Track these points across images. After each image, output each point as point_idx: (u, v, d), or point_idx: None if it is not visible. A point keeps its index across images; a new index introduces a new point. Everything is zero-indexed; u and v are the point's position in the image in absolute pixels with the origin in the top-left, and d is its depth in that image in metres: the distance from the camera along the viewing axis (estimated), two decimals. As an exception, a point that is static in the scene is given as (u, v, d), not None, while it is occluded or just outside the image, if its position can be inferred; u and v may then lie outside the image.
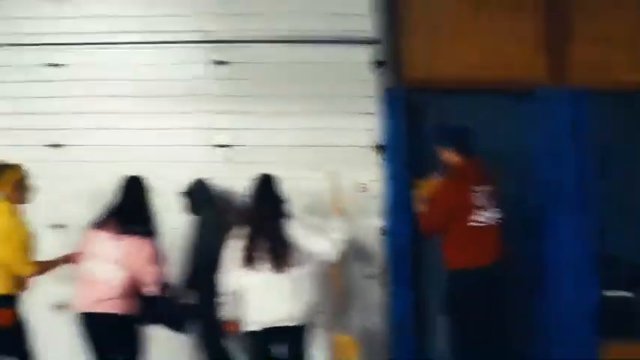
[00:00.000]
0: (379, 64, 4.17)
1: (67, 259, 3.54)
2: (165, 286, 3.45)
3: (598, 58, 4.11)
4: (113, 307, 3.30)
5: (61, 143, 4.29)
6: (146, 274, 3.33)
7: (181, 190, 3.92)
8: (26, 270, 3.30)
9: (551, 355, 4.01)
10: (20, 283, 3.35)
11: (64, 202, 4.22)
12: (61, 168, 4.25)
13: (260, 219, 3.29)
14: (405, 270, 4.08)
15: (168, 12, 4.21)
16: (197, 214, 3.85)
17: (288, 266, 3.17)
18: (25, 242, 3.29)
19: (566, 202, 4.03)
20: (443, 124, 3.78)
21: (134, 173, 3.55)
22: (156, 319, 3.52)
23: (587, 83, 4.05)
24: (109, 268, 3.32)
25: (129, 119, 4.24)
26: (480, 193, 3.41)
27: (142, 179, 3.54)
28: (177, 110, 4.21)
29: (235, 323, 3.34)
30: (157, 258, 3.37)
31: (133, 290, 3.36)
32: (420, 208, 3.59)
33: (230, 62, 4.21)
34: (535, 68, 4.17)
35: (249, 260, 3.21)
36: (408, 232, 4.07)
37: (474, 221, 3.40)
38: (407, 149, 4.08)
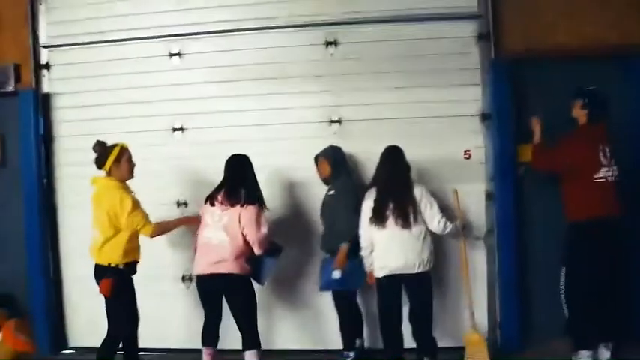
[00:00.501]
0: (482, 37, 4.38)
1: (184, 222, 4.06)
2: (270, 245, 3.89)
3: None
4: (227, 268, 3.73)
5: (183, 127, 4.66)
6: (251, 236, 3.74)
7: (317, 155, 4.24)
8: (147, 230, 3.78)
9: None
10: (130, 255, 3.79)
11: (186, 181, 4.61)
12: (184, 149, 4.65)
13: (388, 183, 3.79)
14: (510, 233, 4.34)
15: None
16: (336, 178, 4.15)
17: (411, 224, 3.71)
18: (137, 208, 3.75)
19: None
20: (583, 87, 3.94)
21: (236, 152, 3.96)
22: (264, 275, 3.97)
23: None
24: (221, 235, 3.77)
25: (246, 101, 4.57)
26: (602, 152, 3.67)
27: (243, 156, 3.95)
28: (293, 90, 4.51)
29: (371, 274, 3.87)
30: (259, 222, 3.77)
31: (244, 253, 3.78)
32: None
33: (341, 43, 4.48)
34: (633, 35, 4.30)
35: (379, 218, 3.73)
36: (513, 197, 4.33)
37: (596, 178, 3.69)
38: (510, 117, 4.31)
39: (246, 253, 3.80)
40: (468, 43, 4.40)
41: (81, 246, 4.29)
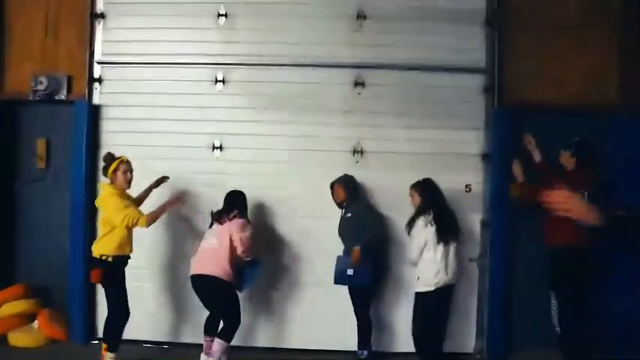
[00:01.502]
0: (487, 89, 5.15)
1: (167, 205, 4.68)
2: (252, 255, 4.63)
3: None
4: (211, 270, 4.47)
5: (222, 145, 5.24)
6: (236, 237, 4.51)
7: (333, 182, 4.89)
8: (142, 221, 4.37)
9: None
10: (119, 249, 4.36)
11: (222, 193, 5.11)
12: (220, 166, 5.23)
13: (437, 208, 4.49)
14: (502, 255, 5.07)
15: (320, 40, 5.16)
16: (352, 202, 4.81)
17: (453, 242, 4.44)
18: (129, 206, 4.37)
19: None
20: (575, 138, 4.66)
21: (234, 189, 4.77)
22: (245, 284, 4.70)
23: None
24: (212, 240, 4.59)
25: (279, 127, 5.19)
26: (581, 195, 4.40)
27: (237, 191, 4.76)
28: (323, 121, 5.16)
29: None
30: (244, 228, 4.56)
31: (228, 259, 4.50)
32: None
33: (367, 84, 5.16)
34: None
35: (438, 237, 4.39)
36: (505, 225, 5.08)
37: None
38: (507, 158, 5.03)
39: (230, 259, 4.49)
40: (475, 92, 5.16)
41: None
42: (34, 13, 5.31)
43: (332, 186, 4.92)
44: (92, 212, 5.11)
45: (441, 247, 4.38)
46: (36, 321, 5.16)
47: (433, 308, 4.40)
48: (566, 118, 4.94)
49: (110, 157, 4.47)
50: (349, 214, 4.77)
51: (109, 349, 4.40)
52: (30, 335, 5.07)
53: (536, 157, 4.78)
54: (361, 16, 5.15)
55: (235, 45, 5.20)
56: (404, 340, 4.88)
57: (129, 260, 4.52)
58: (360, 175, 5.06)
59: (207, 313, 4.68)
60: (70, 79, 5.29)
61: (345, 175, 4.93)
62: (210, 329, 4.65)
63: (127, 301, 4.49)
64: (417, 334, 4.44)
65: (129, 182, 4.50)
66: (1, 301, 5.15)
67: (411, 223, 4.48)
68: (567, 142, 4.68)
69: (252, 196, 4.91)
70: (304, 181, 5.15)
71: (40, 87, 5.22)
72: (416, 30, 5.13)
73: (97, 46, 5.29)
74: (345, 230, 4.79)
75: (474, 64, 5.13)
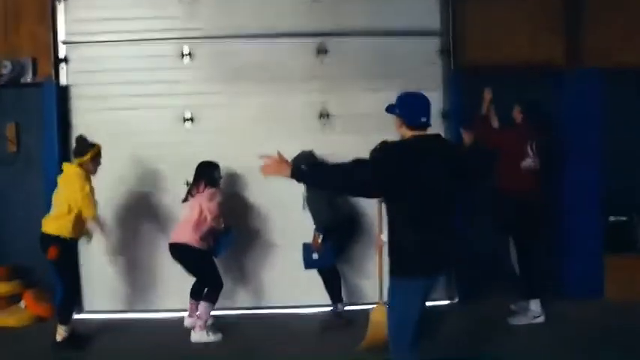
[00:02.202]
0: (443, 51, 5.43)
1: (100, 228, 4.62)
2: (224, 224, 4.86)
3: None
4: (186, 239, 4.72)
5: (193, 117, 5.40)
6: (205, 206, 4.69)
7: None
8: (89, 213, 4.43)
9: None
10: (75, 231, 4.47)
11: (194, 163, 5.27)
12: (193, 137, 5.37)
13: None
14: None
15: (282, 11, 5.31)
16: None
17: None
18: (90, 195, 4.44)
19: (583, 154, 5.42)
20: (524, 99, 4.99)
21: (206, 160, 4.90)
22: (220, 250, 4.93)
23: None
24: (186, 213, 4.82)
25: (248, 97, 5.35)
26: (529, 146, 4.81)
27: (205, 162, 4.90)
28: (289, 89, 5.35)
29: None
30: (213, 197, 4.75)
31: (198, 227, 4.72)
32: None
33: (329, 51, 5.37)
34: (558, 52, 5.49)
35: None
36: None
37: (524, 165, 4.81)
38: (463, 115, 5.32)
39: (200, 228, 4.72)
40: (433, 55, 5.45)
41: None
42: (-9, -5, 5.29)
43: None
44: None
45: None
46: (22, 301, 5.28)
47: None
48: (516, 78, 5.27)
49: (85, 142, 4.53)
50: (307, 194, 4.92)
51: (61, 323, 4.53)
52: (17, 315, 5.19)
53: (484, 108, 5.08)
54: (320, -14, 5.31)
55: (199, 19, 5.31)
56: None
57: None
58: (327, 139, 5.30)
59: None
60: (34, 61, 5.31)
61: (302, 152, 5.02)
62: (195, 294, 4.90)
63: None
64: None
65: (97, 169, 4.60)
66: (-17, 283, 5.24)
67: None
68: (518, 99, 4.99)
69: (224, 166, 5.06)
70: (273, 148, 5.28)
71: (5, 71, 5.23)
72: (374, -3, 5.32)
73: (61, 25, 5.31)
74: (309, 209, 4.96)
75: (430, 28, 5.39)
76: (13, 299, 5.32)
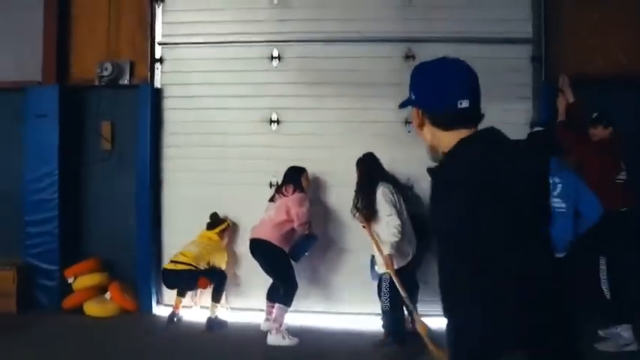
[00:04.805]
0: (534, 59, 5.28)
1: None
2: (308, 229, 4.87)
3: None
4: (265, 235, 4.75)
5: (278, 119, 5.47)
6: (293, 210, 4.72)
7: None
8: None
9: None
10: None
11: (279, 165, 5.31)
12: (277, 139, 5.45)
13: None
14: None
15: (371, 16, 5.35)
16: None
17: None
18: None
19: None
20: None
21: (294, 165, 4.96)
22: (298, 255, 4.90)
23: None
24: (271, 213, 4.83)
25: (333, 101, 5.38)
26: (622, 160, 4.59)
27: (296, 167, 4.96)
28: (373, 94, 5.35)
29: None
30: (302, 203, 4.77)
31: (283, 227, 4.75)
32: None
33: (417, 57, 5.27)
34: None
35: None
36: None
37: (618, 178, 4.58)
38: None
39: (285, 230, 4.74)
40: (523, 63, 5.30)
41: (180, 218, 5.37)
42: (97, 2, 5.64)
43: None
44: (156, 191, 5.49)
45: None
46: (108, 292, 5.47)
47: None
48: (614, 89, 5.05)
49: (218, 218, 5.25)
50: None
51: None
52: (103, 306, 5.38)
53: (570, 97, 4.72)
54: (410, -9, 5.32)
55: (289, 23, 5.44)
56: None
57: None
58: (412, 147, 5.18)
59: None
60: (132, 64, 5.60)
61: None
62: (271, 296, 4.91)
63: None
64: None
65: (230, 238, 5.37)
66: (76, 273, 5.46)
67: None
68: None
69: (307, 169, 5.07)
70: (356, 154, 5.28)
71: (106, 73, 5.53)
72: (465, 3, 5.29)
73: (158, 28, 5.58)
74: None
75: (521, 35, 5.26)
76: (101, 290, 5.51)
